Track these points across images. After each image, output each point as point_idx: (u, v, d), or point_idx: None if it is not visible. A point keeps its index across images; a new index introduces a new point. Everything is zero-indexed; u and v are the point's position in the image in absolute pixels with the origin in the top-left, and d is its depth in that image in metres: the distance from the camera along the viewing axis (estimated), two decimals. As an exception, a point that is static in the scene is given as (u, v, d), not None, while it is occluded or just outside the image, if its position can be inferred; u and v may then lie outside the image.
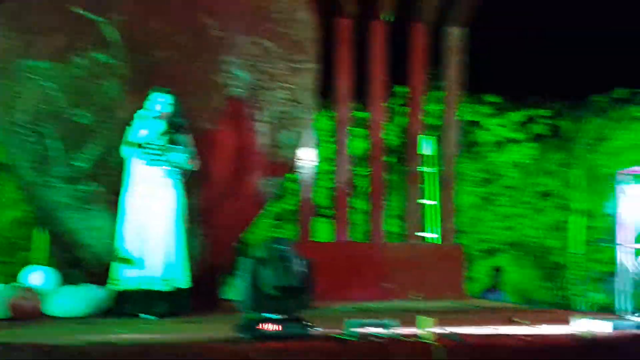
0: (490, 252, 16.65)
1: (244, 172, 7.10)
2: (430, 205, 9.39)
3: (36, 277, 6.33)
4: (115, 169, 6.33)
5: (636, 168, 5.67)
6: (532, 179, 15.45)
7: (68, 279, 6.43)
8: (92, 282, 6.18)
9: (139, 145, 5.97)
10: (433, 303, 7.49)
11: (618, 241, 5.54)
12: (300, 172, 8.59)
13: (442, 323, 4.40)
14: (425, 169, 9.31)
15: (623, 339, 4.01)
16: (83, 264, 6.62)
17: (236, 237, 7.24)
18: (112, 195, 6.33)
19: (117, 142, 6.24)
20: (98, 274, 6.31)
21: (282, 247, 4.08)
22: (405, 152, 9.88)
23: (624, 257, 5.55)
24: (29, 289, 5.91)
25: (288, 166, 7.73)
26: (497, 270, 11.74)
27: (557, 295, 17.03)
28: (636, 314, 5.32)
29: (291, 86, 7.45)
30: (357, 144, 11.81)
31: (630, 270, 5.51)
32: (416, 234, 9.05)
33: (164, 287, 5.83)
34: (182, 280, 5.98)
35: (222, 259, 6.79)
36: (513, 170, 15.45)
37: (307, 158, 8.50)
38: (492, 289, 11.25)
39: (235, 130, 7.06)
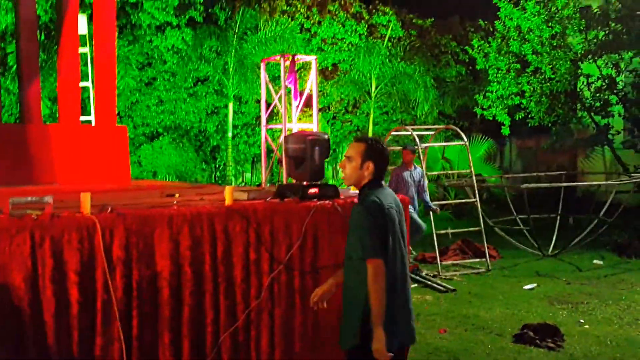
0: (152, 136, 17.10)
1: None
2: (88, 87, 9.25)
3: None
4: None
5: (276, 56, 6.43)
6: (190, 65, 16.06)
7: None
8: None
9: None
10: (98, 184, 7.55)
11: (263, 124, 6.32)
12: None
13: (102, 199, 4.67)
14: (82, 49, 8.95)
15: (256, 205, 4.76)
16: None
17: None
18: None
19: None
20: None
21: None
22: (57, 29, 9.37)
23: (267, 137, 6.38)
24: None
25: None
26: None
27: (215, 176, 18.37)
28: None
29: None
30: (1, 19, 10.84)
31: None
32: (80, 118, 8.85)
33: None
34: None
35: None
36: (171, 55, 15.82)
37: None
38: None
39: None
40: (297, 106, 6.14)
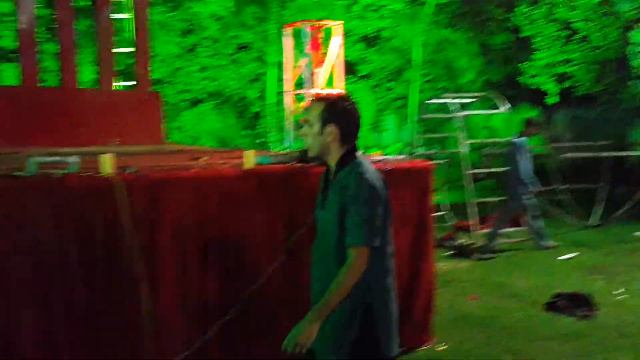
0: (194, 102, 17.28)
1: None
2: (127, 52, 9.34)
3: None
4: None
5: (297, 23, 6.36)
6: (232, 32, 16.10)
7: None
8: None
9: None
10: (130, 147, 7.70)
11: (285, 89, 6.30)
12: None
13: (129, 162, 4.75)
14: (118, 15, 9.04)
15: (274, 168, 4.79)
16: None
17: None
18: None
19: None
20: None
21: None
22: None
23: (288, 102, 6.36)
24: None
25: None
26: None
27: (256, 143, 18.49)
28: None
29: None
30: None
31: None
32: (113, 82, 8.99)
33: None
34: None
35: None
36: (213, 21, 15.88)
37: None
38: None
39: None
40: (321, 72, 6.10)
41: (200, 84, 16.69)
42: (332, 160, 3.05)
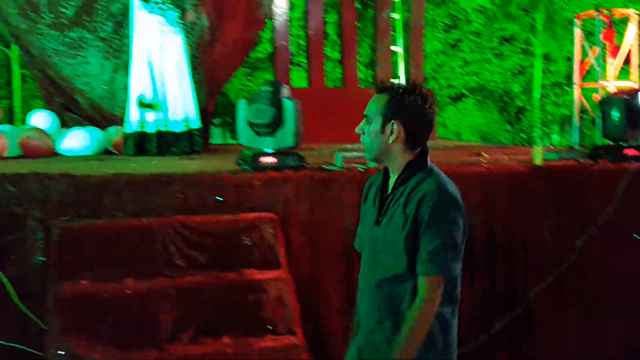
0: (456, 98, 17.34)
1: (225, 19, 7.20)
2: (400, 51, 9.65)
3: (39, 119, 6.61)
4: (100, 14, 6.58)
5: (590, 12, 6.08)
6: (496, 24, 15.86)
7: (65, 122, 6.77)
8: (88, 125, 6.53)
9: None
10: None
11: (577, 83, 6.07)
12: (274, 19, 8.54)
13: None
14: (394, 15, 9.33)
15: (567, 165, 4.72)
16: (77, 108, 6.92)
17: (222, 84, 7.41)
18: (99, 42, 6.62)
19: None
20: (91, 117, 6.76)
21: (270, 89, 4.50)
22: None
23: (577, 96, 6.15)
24: (38, 129, 6.09)
25: (267, 15, 7.91)
26: None
27: (519, 137, 18.04)
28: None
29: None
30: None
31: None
32: (390, 80, 9.36)
33: (182, 128, 6.04)
34: (196, 120, 6.18)
35: (209, 104, 7.08)
36: (477, 15, 15.78)
37: (279, 4, 8.50)
38: None
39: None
40: (614, 64, 5.80)
41: (462, 79, 16.73)
42: (394, 165, 2.41)
